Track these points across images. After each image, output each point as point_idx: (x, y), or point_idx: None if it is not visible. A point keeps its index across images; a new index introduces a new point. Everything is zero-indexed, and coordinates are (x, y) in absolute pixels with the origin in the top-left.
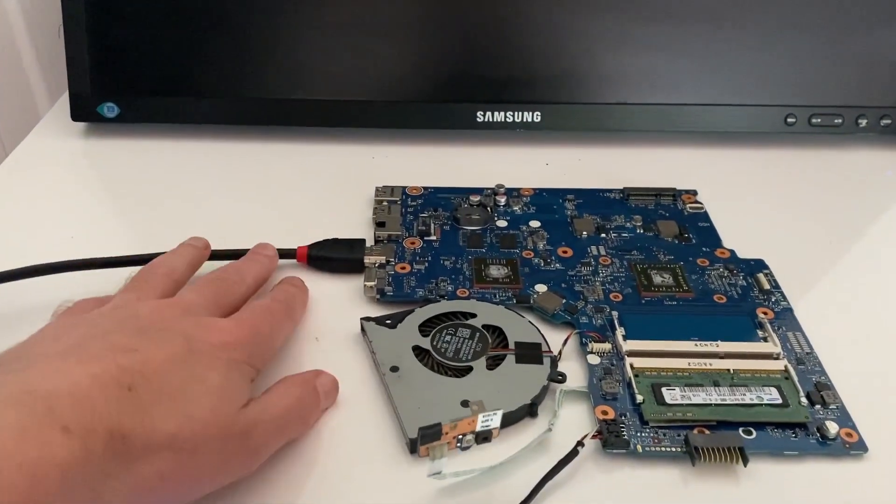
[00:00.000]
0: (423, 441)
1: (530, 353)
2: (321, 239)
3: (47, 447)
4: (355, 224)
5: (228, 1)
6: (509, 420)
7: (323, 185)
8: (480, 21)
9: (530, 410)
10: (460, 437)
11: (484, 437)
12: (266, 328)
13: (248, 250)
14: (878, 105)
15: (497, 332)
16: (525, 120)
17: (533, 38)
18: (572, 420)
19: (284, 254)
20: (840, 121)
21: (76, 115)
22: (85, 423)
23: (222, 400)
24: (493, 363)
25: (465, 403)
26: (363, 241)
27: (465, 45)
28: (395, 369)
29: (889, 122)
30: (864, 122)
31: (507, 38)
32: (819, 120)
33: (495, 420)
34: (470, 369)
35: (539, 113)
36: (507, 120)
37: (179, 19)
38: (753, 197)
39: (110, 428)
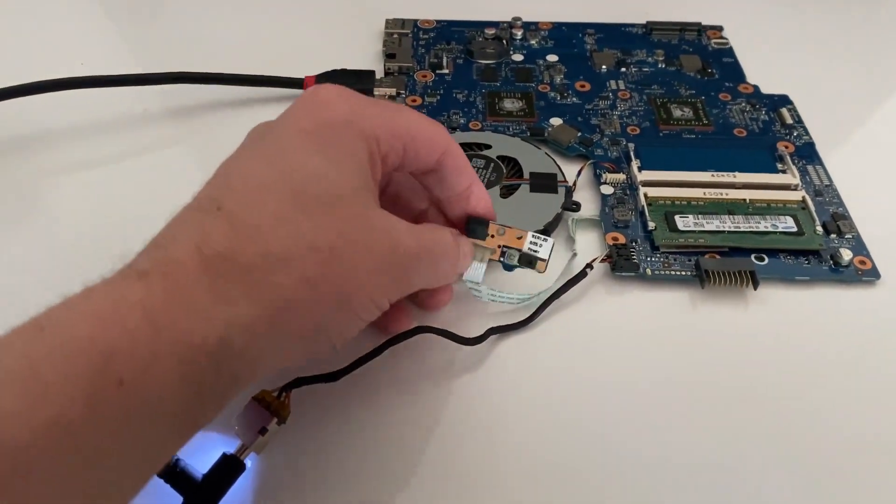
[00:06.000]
0: (470, 234)
1: (545, 182)
2: (329, 69)
3: (121, 291)
4: (365, 56)
5: None
6: None
7: (332, 16)
8: None
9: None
10: (504, 249)
11: (528, 260)
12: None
13: (256, 76)
14: None
15: (512, 163)
16: None
17: None
18: (584, 247)
19: (291, 83)
20: None
21: None
22: (164, 260)
23: (335, 185)
24: (507, 192)
25: None
26: (373, 72)
27: None
28: None
29: None
30: None
31: None
32: None
33: (544, 249)
34: None
35: None
36: None
37: None
38: (783, 34)
39: (204, 253)
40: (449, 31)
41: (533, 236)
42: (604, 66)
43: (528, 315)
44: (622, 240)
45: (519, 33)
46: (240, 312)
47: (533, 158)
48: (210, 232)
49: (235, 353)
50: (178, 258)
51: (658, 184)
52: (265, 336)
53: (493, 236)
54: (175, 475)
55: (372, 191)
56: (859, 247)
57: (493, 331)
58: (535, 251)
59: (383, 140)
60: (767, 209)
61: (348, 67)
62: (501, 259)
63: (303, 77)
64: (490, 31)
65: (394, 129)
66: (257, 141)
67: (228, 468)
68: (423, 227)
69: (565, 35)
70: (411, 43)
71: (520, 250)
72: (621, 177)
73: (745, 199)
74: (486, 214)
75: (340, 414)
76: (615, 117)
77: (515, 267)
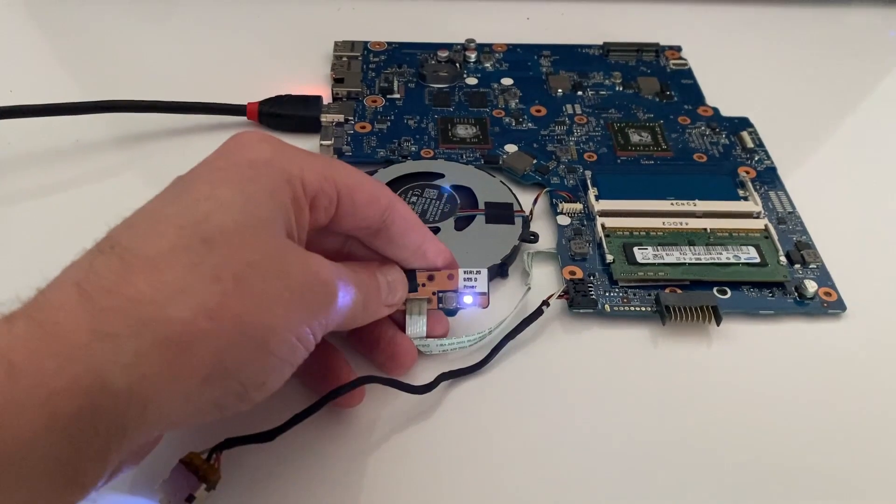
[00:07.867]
0: None
1: (501, 213)
2: (274, 95)
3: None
4: (312, 80)
5: None
6: None
7: (277, 38)
8: None
9: (500, 271)
10: (441, 294)
11: None
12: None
13: (194, 103)
14: None
15: (466, 192)
16: None
17: None
18: (541, 282)
19: (233, 110)
20: None
21: None
22: (36, 301)
23: (245, 215)
24: (463, 224)
25: None
26: (319, 97)
27: None
28: None
29: None
30: None
31: None
32: None
33: (481, 282)
34: (437, 231)
35: None
36: None
37: None
38: (743, 55)
39: (84, 289)
40: (400, 54)
41: (465, 272)
42: (560, 90)
43: (481, 358)
44: (579, 274)
45: (473, 56)
46: (122, 349)
47: (488, 187)
48: (97, 268)
49: (119, 396)
50: (51, 298)
51: (616, 213)
52: (157, 376)
53: (424, 284)
54: None
55: (290, 228)
56: (824, 277)
57: (443, 377)
58: (473, 286)
59: (310, 182)
60: (729, 239)
61: (294, 93)
62: (441, 306)
63: (245, 104)
64: (443, 54)
65: (324, 173)
66: (169, 186)
67: None
68: (346, 263)
69: (520, 57)
70: (361, 66)
71: (456, 291)
72: (578, 206)
73: (705, 229)
74: (449, 268)
75: (276, 478)
76: (571, 143)
77: (458, 309)
